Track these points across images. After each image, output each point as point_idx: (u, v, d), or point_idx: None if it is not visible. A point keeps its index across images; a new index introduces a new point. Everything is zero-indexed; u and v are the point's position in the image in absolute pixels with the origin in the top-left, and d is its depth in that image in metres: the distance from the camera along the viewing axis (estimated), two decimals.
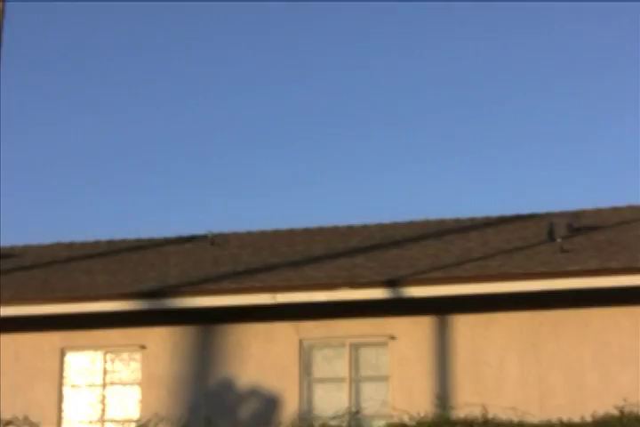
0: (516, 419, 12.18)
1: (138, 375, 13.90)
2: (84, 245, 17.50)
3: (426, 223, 16.48)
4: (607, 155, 26.86)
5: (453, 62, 26.17)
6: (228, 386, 13.50)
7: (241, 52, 27.09)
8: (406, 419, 11.12)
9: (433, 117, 26.12)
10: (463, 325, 12.82)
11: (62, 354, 14.19)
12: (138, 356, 13.94)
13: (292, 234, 16.66)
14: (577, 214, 15.55)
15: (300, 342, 13.38)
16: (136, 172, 27.60)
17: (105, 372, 14.07)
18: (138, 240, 17.48)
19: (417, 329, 12.94)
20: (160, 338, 13.83)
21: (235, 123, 27.19)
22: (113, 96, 26.79)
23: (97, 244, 17.54)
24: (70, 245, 17.54)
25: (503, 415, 12.23)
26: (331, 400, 13.21)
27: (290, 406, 13.22)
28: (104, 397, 14.06)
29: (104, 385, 14.06)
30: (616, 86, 26.27)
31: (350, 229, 16.41)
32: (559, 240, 13.74)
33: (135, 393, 13.91)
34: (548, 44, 25.70)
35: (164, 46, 27.04)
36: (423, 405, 12.75)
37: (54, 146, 26.57)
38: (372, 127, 26.82)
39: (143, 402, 13.78)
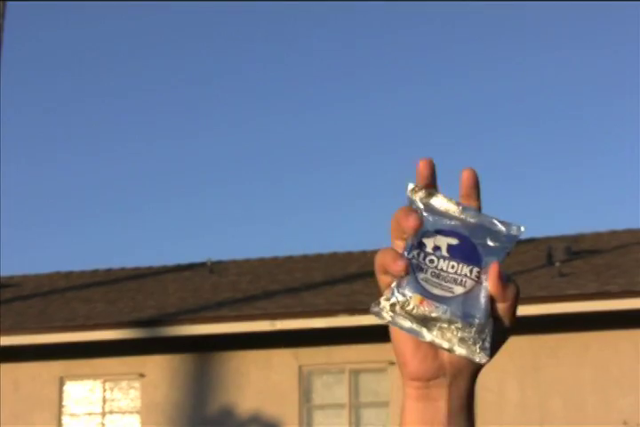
0: None
1: (137, 404, 13.87)
2: (82, 274, 17.50)
3: None
4: (605, 179, 26.95)
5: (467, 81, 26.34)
6: (227, 413, 13.46)
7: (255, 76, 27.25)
8: None
9: (435, 136, 26.24)
10: None
11: (61, 383, 14.16)
12: (137, 384, 13.91)
13: (290, 261, 16.67)
14: (575, 238, 15.57)
15: (300, 368, 13.37)
16: (134, 200, 27.67)
17: (104, 400, 14.03)
18: (136, 269, 17.48)
19: None
20: (159, 366, 13.81)
21: (232, 150, 27.29)
22: (107, 128, 26.94)
23: (95, 273, 17.54)
24: (69, 275, 17.53)
25: None
26: (330, 426, 13.17)
27: None
28: (103, 425, 14.02)
29: (103, 414, 14.02)
30: (614, 111, 26.39)
31: (349, 256, 16.42)
32: (558, 264, 13.76)
33: (134, 422, 13.87)
34: (534, 66, 25.84)
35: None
36: None
37: (52, 175, 26.67)
38: (370, 153, 26.92)
39: None
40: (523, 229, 1.10)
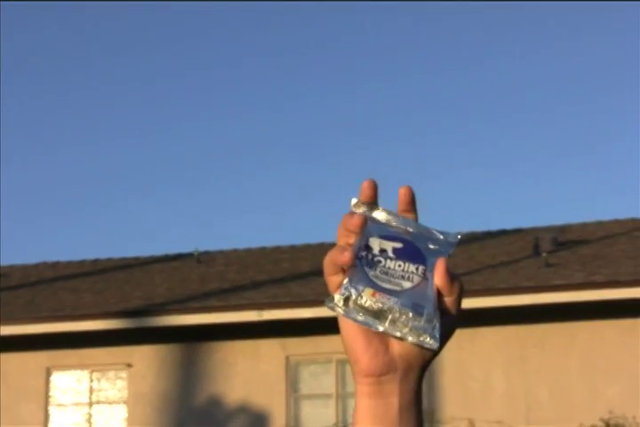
0: None
1: (124, 394, 13.88)
2: (69, 264, 17.48)
3: None
4: (592, 170, 27.01)
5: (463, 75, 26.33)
6: (214, 403, 13.48)
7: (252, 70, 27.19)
8: None
9: (426, 130, 26.26)
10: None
11: (48, 373, 14.16)
12: (124, 374, 13.92)
13: (278, 251, 16.68)
14: (562, 229, 15.62)
15: (287, 358, 13.39)
16: (121, 191, 27.61)
17: (91, 391, 14.04)
18: (124, 259, 17.46)
19: None
20: (146, 356, 13.81)
21: (219, 141, 27.25)
22: (97, 120, 26.87)
23: (83, 263, 17.53)
24: (56, 265, 17.52)
25: None
26: (318, 416, 13.21)
27: (277, 423, 13.22)
28: (90, 415, 14.02)
29: (90, 404, 14.03)
30: (600, 102, 26.43)
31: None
32: (544, 255, 13.80)
33: (122, 412, 13.88)
34: (520, 61, 25.86)
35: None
36: None
37: (39, 166, 26.60)
38: (356, 143, 26.93)
39: (129, 420, 13.75)
40: (459, 236, 1.15)
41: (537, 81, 25.89)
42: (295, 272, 14.90)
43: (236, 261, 16.27)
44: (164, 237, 27.40)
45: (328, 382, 13.30)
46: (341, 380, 13.26)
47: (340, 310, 1.09)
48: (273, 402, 13.28)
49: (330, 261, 1.11)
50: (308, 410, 13.32)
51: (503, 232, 16.20)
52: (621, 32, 24.66)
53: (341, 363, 13.21)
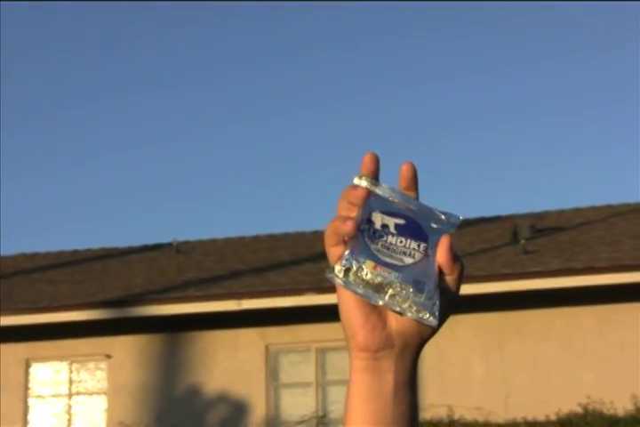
0: (481, 419, 12.27)
1: (104, 385, 13.86)
2: (47, 255, 17.42)
3: None
4: (569, 158, 27.11)
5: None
6: (194, 393, 13.49)
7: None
8: None
9: (406, 118, 26.30)
10: None
11: (27, 365, 14.12)
12: (103, 365, 13.89)
13: (256, 240, 16.68)
14: (540, 216, 15.68)
15: (266, 347, 13.40)
16: (99, 181, 27.50)
17: (71, 382, 14.01)
18: (102, 249, 17.42)
19: None
20: (125, 347, 13.79)
21: (197, 131, 27.21)
22: (82, 111, 26.75)
23: (61, 254, 17.46)
24: (34, 256, 17.45)
25: (469, 416, 12.31)
26: (298, 405, 13.24)
27: (257, 412, 13.24)
28: (70, 407, 14.00)
29: (70, 395, 14.00)
30: (577, 91, 26.51)
31: (315, 235, 16.45)
32: (522, 242, 13.86)
33: (101, 402, 13.87)
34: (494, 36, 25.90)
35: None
36: None
37: (18, 155, 26.47)
38: (336, 132, 26.93)
39: (109, 411, 13.73)
40: (461, 218, 1.14)
41: (510, 67, 25.95)
42: (274, 261, 14.90)
43: (214, 251, 16.25)
44: (143, 228, 27.35)
45: (308, 371, 13.32)
46: (321, 368, 13.29)
47: (339, 281, 1.07)
48: (253, 391, 13.30)
49: (332, 231, 1.08)
50: (288, 399, 13.35)
51: (482, 220, 16.25)
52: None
53: (321, 351, 13.24)
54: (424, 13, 25.31)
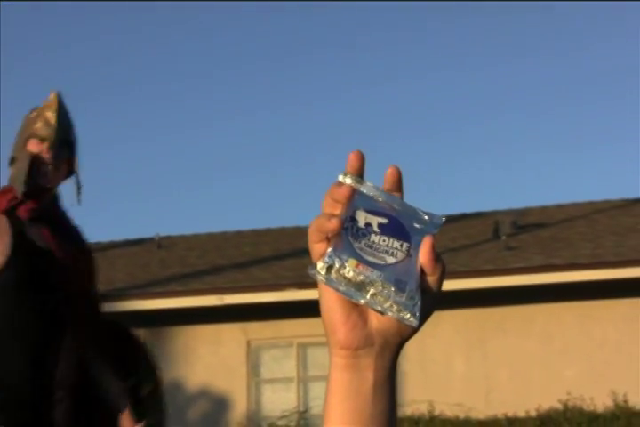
0: (462, 415, 12.31)
1: None
2: None
3: None
4: (551, 153, 27.19)
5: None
6: (176, 388, 13.48)
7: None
8: None
9: (388, 113, 26.31)
10: None
11: None
12: None
13: (239, 236, 16.67)
14: (522, 212, 15.73)
15: (248, 342, 13.41)
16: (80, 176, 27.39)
17: None
18: None
19: None
20: None
21: (184, 126, 27.19)
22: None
23: None
24: None
25: (449, 412, 12.34)
26: (279, 400, 13.25)
27: (238, 407, 13.24)
28: None
29: None
30: (564, 86, 26.59)
31: (297, 230, 16.45)
32: (504, 238, 13.90)
33: None
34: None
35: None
36: None
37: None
38: (322, 128, 26.93)
39: None
40: (444, 219, 1.16)
41: (498, 66, 25.99)
42: (256, 257, 14.90)
43: (197, 246, 16.24)
44: (125, 222, 27.30)
45: (289, 367, 13.33)
46: (302, 364, 13.30)
47: (321, 278, 1.07)
48: (234, 386, 13.30)
49: (316, 227, 1.09)
50: (270, 394, 13.35)
51: (464, 216, 16.29)
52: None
53: (302, 347, 13.25)
54: (421, 11, 25.32)
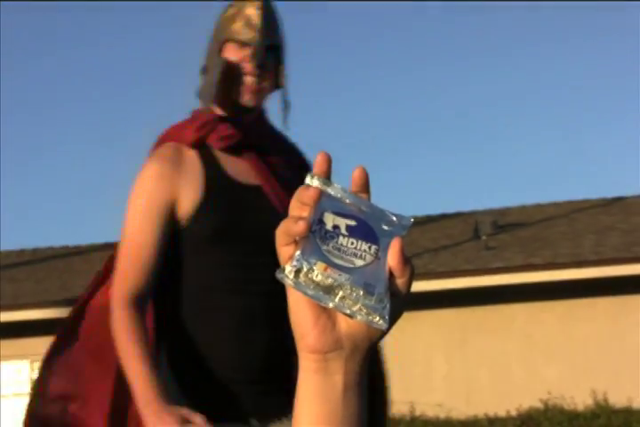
0: (442, 415, 12.32)
1: None
2: (8, 253, 17.29)
3: None
4: (530, 153, 27.26)
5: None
6: None
7: None
8: None
9: (363, 112, 26.33)
10: None
11: None
12: None
13: None
14: (501, 212, 15.77)
15: None
16: (61, 177, 27.36)
17: (32, 381, 13.92)
18: (64, 247, 17.31)
19: None
20: None
21: (165, 124, 27.09)
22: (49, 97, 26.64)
23: (22, 252, 17.35)
24: None
25: (430, 412, 12.35)
26: None
27: None
28: None
29: None
30: (541, 85, 26.66)
31: None
32: (484, 238, 13.92)
33: None
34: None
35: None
36: None
37: None
38: (311, 121, 26.90)
39: None
40: (412, 220, 1.14)
41: (478, 63, 26.05)
42: None
43: None
44: (105, 226, 27.22)
45: None
46: None
47: (289, 282, 1.06)
48: None
49: (284, 231, 1.08)
50: None
51: (443, 216, 16.30)
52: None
53: None
54: (420, 10, 25.36)
